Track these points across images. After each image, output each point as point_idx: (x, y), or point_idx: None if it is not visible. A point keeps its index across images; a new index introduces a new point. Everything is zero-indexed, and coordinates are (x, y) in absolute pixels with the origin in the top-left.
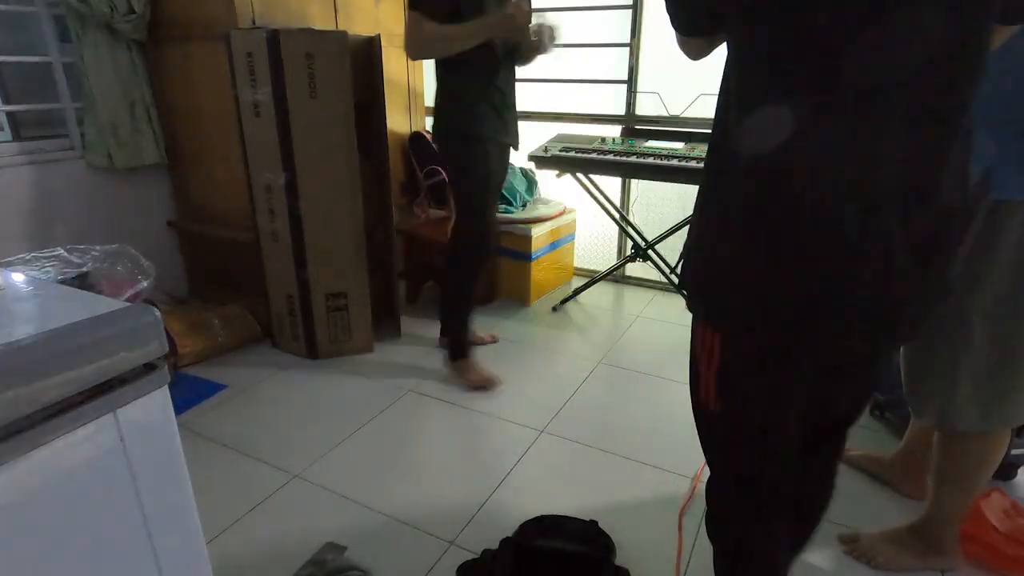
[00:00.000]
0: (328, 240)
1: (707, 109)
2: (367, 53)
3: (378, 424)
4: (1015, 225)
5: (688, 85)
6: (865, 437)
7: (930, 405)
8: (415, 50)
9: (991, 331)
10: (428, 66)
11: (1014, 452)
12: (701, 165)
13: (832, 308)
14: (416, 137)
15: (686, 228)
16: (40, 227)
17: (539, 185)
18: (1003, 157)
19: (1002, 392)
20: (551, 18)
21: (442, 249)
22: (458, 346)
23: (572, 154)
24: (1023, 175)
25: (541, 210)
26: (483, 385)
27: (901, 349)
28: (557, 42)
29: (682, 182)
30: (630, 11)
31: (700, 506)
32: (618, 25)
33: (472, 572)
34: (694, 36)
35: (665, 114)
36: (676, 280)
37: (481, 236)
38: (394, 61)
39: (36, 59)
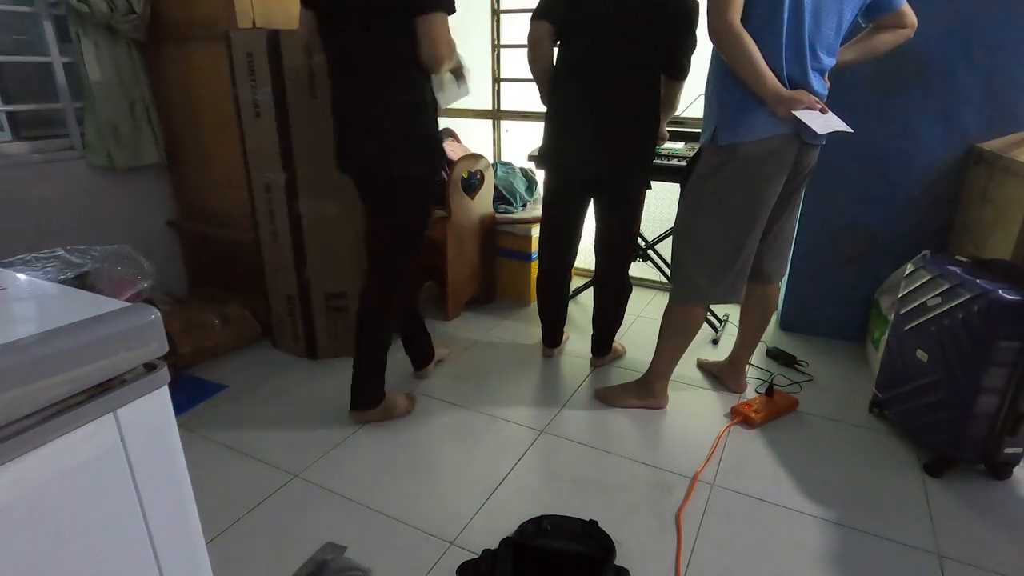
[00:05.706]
0: (328, 240)
1: None
2: None
3: (378, 424)
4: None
5: (688, 85)
6: (865, 436)
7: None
8: None
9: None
10: None
11: (1008, 451)
12: None
13: None
14: None
15: None
16: (40, 227)
17: (539, 185)
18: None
19: (687, 274)
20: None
21: (441, 249)
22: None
23: None
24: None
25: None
26: None
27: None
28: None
29: (682, 182)
30: None
31: (700, 506)
32: None
33: (472, 572)
34: None
35: None
36: None
37: None
38: None
39: (36, 59)
